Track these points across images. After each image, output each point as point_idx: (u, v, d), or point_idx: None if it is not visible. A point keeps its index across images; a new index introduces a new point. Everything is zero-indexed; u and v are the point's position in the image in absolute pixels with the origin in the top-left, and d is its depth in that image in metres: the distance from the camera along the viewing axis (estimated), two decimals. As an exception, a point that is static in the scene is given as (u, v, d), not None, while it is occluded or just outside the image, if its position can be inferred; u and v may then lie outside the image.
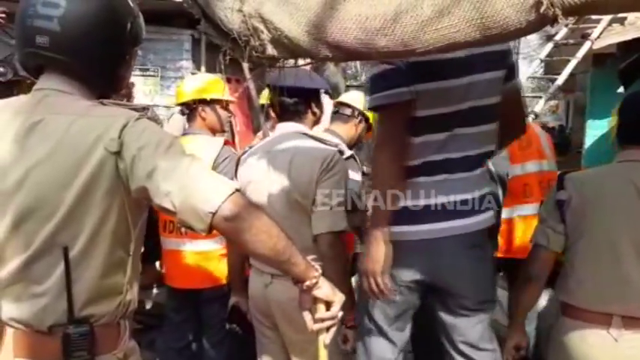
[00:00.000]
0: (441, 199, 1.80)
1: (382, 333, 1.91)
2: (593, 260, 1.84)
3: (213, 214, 1.19)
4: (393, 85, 1.73)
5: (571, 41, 6.76)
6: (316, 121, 2.26)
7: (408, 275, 1.83)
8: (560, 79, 6.19)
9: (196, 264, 2.65)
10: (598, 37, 6.10)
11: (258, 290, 2.14)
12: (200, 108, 2.73)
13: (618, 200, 1.81)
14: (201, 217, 1.20)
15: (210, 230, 1.22)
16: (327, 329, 1.47)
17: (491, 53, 1.72)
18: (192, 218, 1.21)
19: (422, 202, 1.80)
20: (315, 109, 2.20)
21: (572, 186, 1.90)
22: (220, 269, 2.59)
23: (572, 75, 9.03)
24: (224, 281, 2.58)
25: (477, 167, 1.84)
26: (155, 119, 3.94)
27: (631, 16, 6.72)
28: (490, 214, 1.86)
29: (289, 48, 1.19)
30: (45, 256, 1.24)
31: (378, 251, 1.78)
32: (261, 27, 1.21)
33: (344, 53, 1.17)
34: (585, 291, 1.86)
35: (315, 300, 1.45)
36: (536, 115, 6.74)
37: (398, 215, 1.80)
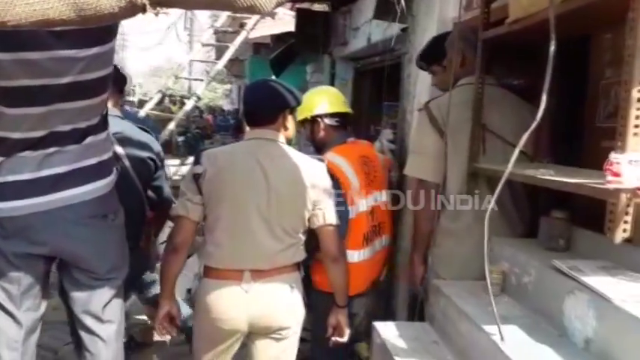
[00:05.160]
0: (51, 171, 1.79)
1: (8, 313, 1.83)
2: (229, 224, 2.07)
3: None
4: None
5: (230, 29, 7.31)
6: None
7: (21, 248, 1.79)
8: (220, 64, 6.63)
9: None
10: (252, 27, 6.74)
11: None
12: None
13: (245, 171, 2.08)
14: None
15: None
16: None
17: (89, 30, 1.67)
18: None
19: (27, 175, 1.77)
20: None
21: (207, 160, 2.09)
22: None
23: (240, 61, 9.75)
24: None
25: (89, 136, 1.86)
26: None
27: (280, 12, 7.64)
28: (107, 180, 1.91)
29: None
30: None
31: None
32: None
33: None
34: (222, 252, 2.08)
35: None
36: (199, 98, 7.08)
37: (2, 190, 1.76)
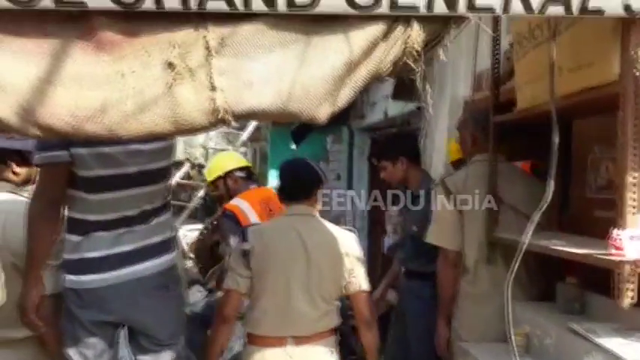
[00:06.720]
0: (122, 249, 2.06)
1: None
2: (273, 295, 2.27)
3: None
4: (49, 148, 1.97)
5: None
6: (26, 181, 2.31)
7: (95, 316, 2.03)
8: (245, 135, 7.01)
9: None
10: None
11: None
12: None
13: (289, 246, 2.29)
14: None
15: None
16: None
17: None
18: None
19: (102, 252, 2.04)
20: (17, 169, 2.28)
21: (253, 237, 2.31)
22: None
23: (258, 127, 10.13)
24: None
25: (154, 218, 2.15)
26: None
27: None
28: (169, 256, 2.17)
29: (-1, 126, 1.29)
30: None
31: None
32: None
33: (55, 134, 1.33)
34: (267, 321, 2.27)
35: None
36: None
37: (80, 265, 2.02)
